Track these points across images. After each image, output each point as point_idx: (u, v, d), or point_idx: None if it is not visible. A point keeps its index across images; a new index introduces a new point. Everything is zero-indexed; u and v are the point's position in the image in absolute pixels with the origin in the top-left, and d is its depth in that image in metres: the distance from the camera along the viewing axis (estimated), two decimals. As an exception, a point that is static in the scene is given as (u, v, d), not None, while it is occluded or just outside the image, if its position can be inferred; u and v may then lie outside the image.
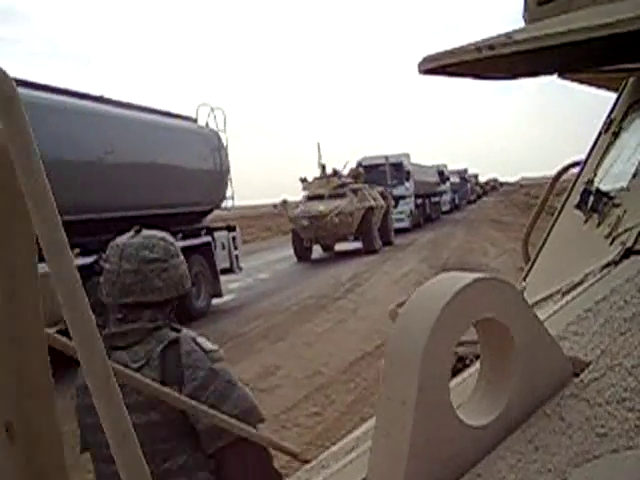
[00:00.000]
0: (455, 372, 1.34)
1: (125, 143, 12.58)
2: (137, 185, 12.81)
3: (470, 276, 0.94)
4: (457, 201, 61.20)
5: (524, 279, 2.83)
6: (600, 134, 2.88)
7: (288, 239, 27.41)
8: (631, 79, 2.80)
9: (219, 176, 16.31)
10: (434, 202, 46.40)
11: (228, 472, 2.40)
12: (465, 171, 74.64)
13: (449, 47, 2.12)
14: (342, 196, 25.99)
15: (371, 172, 31.63)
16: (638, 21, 1.55)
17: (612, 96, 3.08)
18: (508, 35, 1.87)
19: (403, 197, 35.02)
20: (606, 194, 2.06)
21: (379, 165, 33.98)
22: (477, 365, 1.17)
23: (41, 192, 0.76)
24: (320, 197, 26.18)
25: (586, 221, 2.20)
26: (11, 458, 0.88)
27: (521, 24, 2.33)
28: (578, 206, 2.34)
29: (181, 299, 2.66)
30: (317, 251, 27.10)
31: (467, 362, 1.63)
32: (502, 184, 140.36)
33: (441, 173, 50.74)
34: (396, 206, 33.10)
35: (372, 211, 26.46)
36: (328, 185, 27.05)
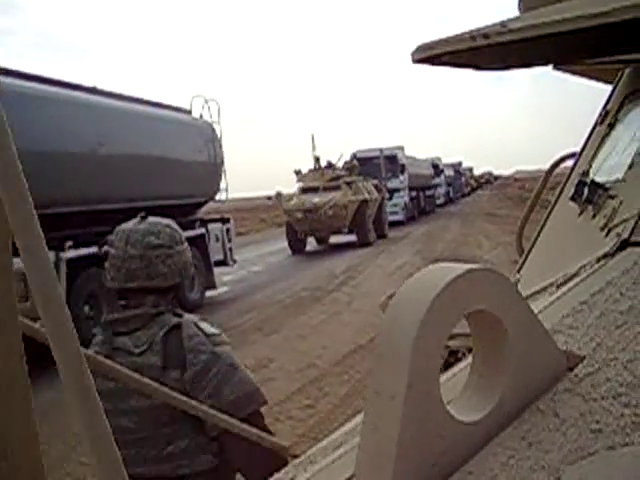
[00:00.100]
0: (447, 366, 1.31)
1: (118, 135, 12.51)
2: (130, 177, 12.75)
3: (462, 267, 0.91)
4: (451, 194, 61.24)
5: (518, 271, 2.81)
6: (595, 126, 2.86)
7: (282, 231, 27.39)
8: (627, 70, 2.77)
9: (213, 168, 16.27)
10: (428, 195, 46.41)
11: (230, 455, 2.43)
12: (459, 164, 74.75)
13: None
14: (336, 189, 25.97)
15: (365, 165, 31.57)
16: (633, 9, 1.53)
17: (607, 88, 3.06)
18: (503, 24, 1.85)
19: (397, 190, 35.03)
20: (601, 186, 2.04)
21: (373, 158, 33.95)
22: (469, 359, 1.14)
23: (16, 185, 0.72)
24: (314, 189, 26.16)
25: (581, 213, 2.17)
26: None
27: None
28: (573, 198, 2.31)
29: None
30: (311, 244, 27.11)
31: (459, 356, 1.60)
32: (496, 177, 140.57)
33: (435, 166, 50.77)
34: (390, 199, 33.14)
35: (366, 204, 26.44)
36: (322, 177, 27.04)
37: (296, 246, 25.82)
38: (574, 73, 3.48)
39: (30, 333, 1.52)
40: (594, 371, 1.04)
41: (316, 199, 25.30)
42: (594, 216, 1.97)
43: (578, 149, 2.97)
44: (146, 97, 14.78)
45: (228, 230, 16.90)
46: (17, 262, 0.75)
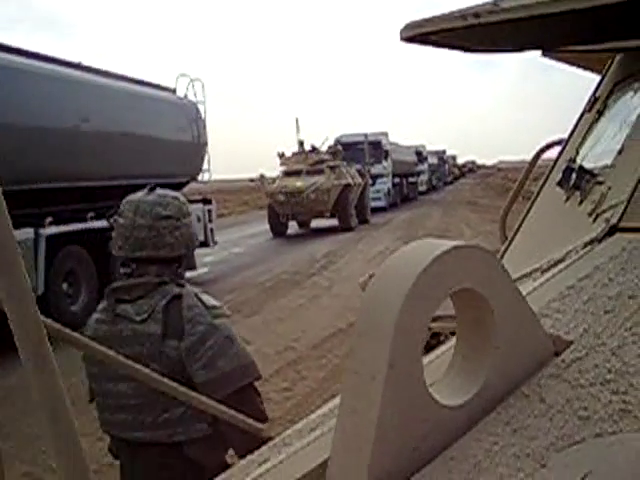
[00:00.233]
0: (428, 349, 1.27)
1: (102, 112, 12.32)
2: (113, 154, 12.59)
3: (449, 243, 0.87)
4: (434, 182, 61.23)
5: (501, 257, 2.77)
6: (583, 113, 2.84)
7: (264, 214, 27.30)
8: (617, 57, 2.74)
9: (196, 148, 16.12)
10: (411, 182, 46.38)
11: (224, 424, 2.45)
12: (443, 152, 74.77)
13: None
14: (320, 172, 25.90)
15: (349, 149, 31.46)
16: None
17: (593, 78, 3.04)
18: (495, 2, 1.81)
19: (380, 176, 34.99)
20: (589, 172, 2.01)
21: (358, 143, 33.83)
22: (451, 342, 1.10)
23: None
24: (297, 173, 26.07)
25: (567, 199, 2.14)
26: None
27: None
28: (560, 184, 2.28)
29: None
30: (293, 227, 27.05)
31: (442, 339, 1.56)
32: (480, 167, 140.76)
33: (419, 153, 50.73)
34: (373, 185, 33.09)
35: (349, 189, 26.39)
36: (306, 161, 26.94)
37: (278, 229, 25.75)
38: (563, 60, 3.44)
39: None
40: (582, 357, 1.00)
41: (299, 182, 25.22)
42: (581, 202, 1.93)
43: (564, 136, 2.94)
44: (131, 75, 14.63)
45: (210, 211, 16.78)
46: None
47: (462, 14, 1.90)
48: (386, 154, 35.96)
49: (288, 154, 28.19)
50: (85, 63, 12.94)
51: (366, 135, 34.45)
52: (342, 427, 0.85)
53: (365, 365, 0.83)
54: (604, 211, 1.63)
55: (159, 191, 2.69)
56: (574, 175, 2.10)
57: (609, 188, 1.73)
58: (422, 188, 52.03)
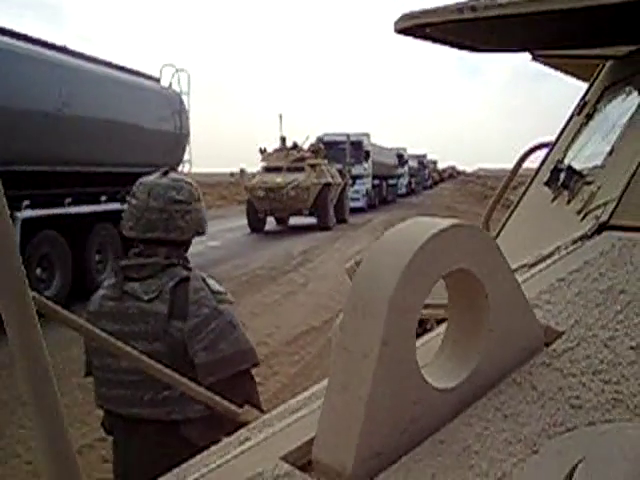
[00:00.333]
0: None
1: (84, 97, 12.17)
2: (93, 140, 12.42)
3: (446, 221, 0.85)
4: (414, 185, 61.31)
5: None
6: (572, 117, 2.84)
7: (243, 209, 27.19)
8: (607, 63, 2.75)
9: (178, 139, 15.98)
10: (391, 184, 46.44)
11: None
12: (424, 156, 74.89)
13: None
14: (300, 170, 25.85)
15: (331, 149, 31.44)
16: None
17: (580, 87, 3.06)
18: (492, -3, 1.80)
19: (360, 177, 35.01)
20: (578, 172, 2.00)
21: (339, 142, 33.82)
22: (440, 328, 1.09)
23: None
24: (278, 169, 26.01)
25: (555, 198, 2.13)
26: None
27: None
28: (547, 183, 2.27)
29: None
30: (271, 223, 26.99)
31: (428, 327, 1.54)
32: (460, 173, 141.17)
33: (400, 156, 50.79)
34: (353, 185, 33.13)
35: (329, 188, 26.38)
36: (287, 158, 26.89)
37: (255, 224, 25.67)
38: (551, 66, 3.45)
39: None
40: (573, 347, 0.99)
41: (279, 179, 25.17)
42: (569, 201, 1.93)
43: (551, 138, 2.95)
44: (116, 62, 14.51)
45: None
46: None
47: (458, 7, 1.89)
48: (367, 155, 35.98)
49: (270, 150, 28.15)
50: (71, 47, 12.83)
51: (348, 135, 34.46)
52: (331, 405, 0.83)
53: (357, 342, 0.81)
54: (593, 209, 1.62)
55: (173, 175, 2.76)
56: (562, 175, 2.09)
57: (599, 187, 1.72)
58: (401, 191, 52.13)
